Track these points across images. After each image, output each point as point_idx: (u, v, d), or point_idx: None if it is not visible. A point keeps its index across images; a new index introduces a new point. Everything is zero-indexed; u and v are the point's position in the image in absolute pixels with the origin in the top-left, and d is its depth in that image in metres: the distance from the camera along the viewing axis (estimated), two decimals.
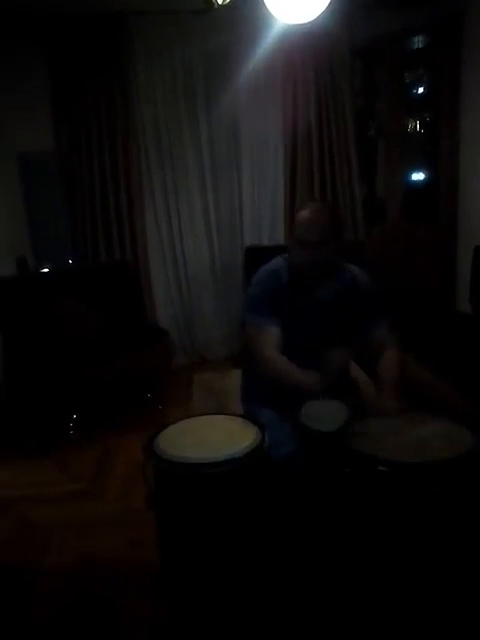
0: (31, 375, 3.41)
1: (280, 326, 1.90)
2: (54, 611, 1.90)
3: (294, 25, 2.29)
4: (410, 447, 1.54)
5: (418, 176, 4.22)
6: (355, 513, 1.58)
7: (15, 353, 3.51)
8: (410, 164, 4.20)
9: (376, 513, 1.53)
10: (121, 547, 2.20)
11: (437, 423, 1.65)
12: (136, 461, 1.78)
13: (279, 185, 4.26)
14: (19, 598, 1.98)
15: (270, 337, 1.89)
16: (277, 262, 2.02)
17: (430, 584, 1.52)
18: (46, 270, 3.97)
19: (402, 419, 1.69)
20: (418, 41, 4.03)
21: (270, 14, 2.09)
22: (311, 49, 3.92)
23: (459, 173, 4.06)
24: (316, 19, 2.13)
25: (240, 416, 1.88)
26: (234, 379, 2.27)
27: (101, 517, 2.45)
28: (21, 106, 3.94)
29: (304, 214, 1.90)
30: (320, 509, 1.64)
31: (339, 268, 2.02)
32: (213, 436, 1.71)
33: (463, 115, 3.94)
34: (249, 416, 1.85)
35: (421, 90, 4.10)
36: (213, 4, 1.91)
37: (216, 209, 4.34)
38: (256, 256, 3.65)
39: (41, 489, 2.75)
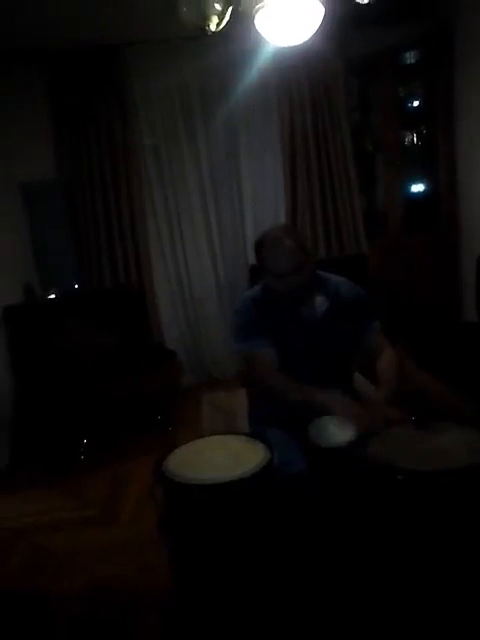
0: (41, 401, 3.42)
1: (269, 345, 1.89)
2: (70, 637, 1.89)
3: (286, 47, 2.33)
4: (428, 456, 1.52)
5: (417, 187, 4.25)
6: (371, 525, 1.57)
7: (25, 380, 3.52)
8: (409, 176, 4.24)
9: (394, 524, 1.52)
10: (134, 572, 2.18)
11: (457, 431, 1.63)
12: (148, 484, 1.78)
13: (280, 202, 4.30)
14: (35, 626, 1.96)
15: (266, 358, 1.89)
16: (255, 290, 2.02)
17: (450, 594, 1.50)
18: (52, 296, 4.00)
19: (421, 429, 1.68)
20: (411, 56, 4.09)
21: (262, 37, 2.14)
22: (305, 68, 3.99)
23: (458, 182, 4.08)
24: (308, 39, 2.17)
25: (248, 435, 1.87)
26: (242, 397, 2.26)
27: (114, 542, 2.44)
28: (23, 136, 4.01)
29: (270, 248, 1.84)
30: (332, 526, 1.63)
31: (319, 282, 1.98)
32: (221, 456, 1.70)
33: (459, 125, 3.97)
34: (257, 435, 1.85)
35: (416, 103, 4.15)
36: (207, 31, 1.95)
37: (219, 228, 4.38)
38: (260, 274, 3.67)
39: (53, 516, 2.74)
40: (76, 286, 4.20)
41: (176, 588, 1.74)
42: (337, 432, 1.68)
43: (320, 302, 1.96)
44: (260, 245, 1.89)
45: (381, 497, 1.53)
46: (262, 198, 4.35)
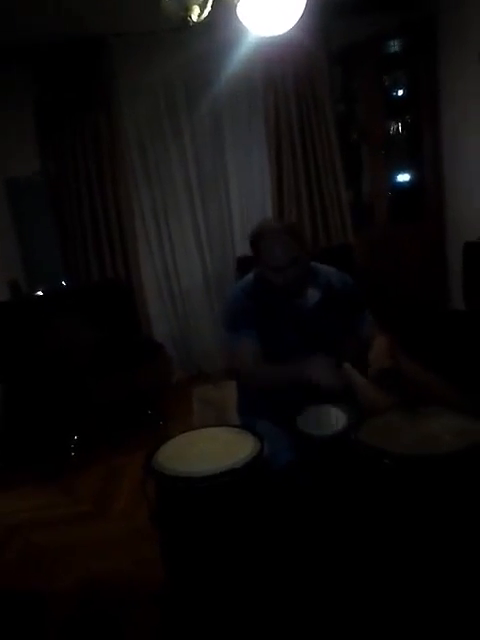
0: (31, 398, 3.40)
1: (255, 337, 1.87)
2: (65, 633, 1.89)
3: (269, 37, 2.32)
4: (418, 441, 1.54)
5: (403, 177, 4.25)
6: (364, 512, 1.58)
7: (13, 377, 3.50)
8: (394, 166, 4.24)
9: (384, 510, 1.53)
10: (129, 566, 2.19)
11: (447, 417, 1.65)
12: (139, 479, 1.78)
13: (266, 194, 4.29)
14: (30, 622, 1.96)
15: (249, 349, 1.87)
16: (247, 280, 2.00)
17: (442, 580, 1.52)
18: (40, 293, 3.97)
19: (410, 414, 1.69)
20: (394, 45, 4.08)
21: (245, 27, 2.12)
22: (289, 59, 3.97)
23: (443, 171, 4.10)
24: (291, 30, 2.16)
25: (238, 427, 1.88)
26: (232, 390, 2.26)
27: (107, 537, 2.44)
28: (7, 132, 3.96)
29: (269, 241, 1.83)
30: (324, 515, 1.64)
31: (311, 273, 1.98)
32: (212, 448, 1.71)
33: (443, 114, 3.98)
34: (247, 427, 1.85)
35: (400, 93, 4.15)
36: (188, 21, 1.93)
37: (205, 221, 4.36)
38: (247, 265, 3.65)
39: (46, 512, 2.73)
40: (63, 282, 4.18)
41: (169, 581, 1.75)
42: (326, 421, 1.69)
43: (312, 293, 1.96)
44: (257, 237, 1.87)
45: (370, 483, 1.54)
46: (248, 190, 4.34)
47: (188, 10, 1.93)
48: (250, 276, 2.02)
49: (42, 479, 3.08)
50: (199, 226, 4.35)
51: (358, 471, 1.56)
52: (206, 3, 1.95)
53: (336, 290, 2.00)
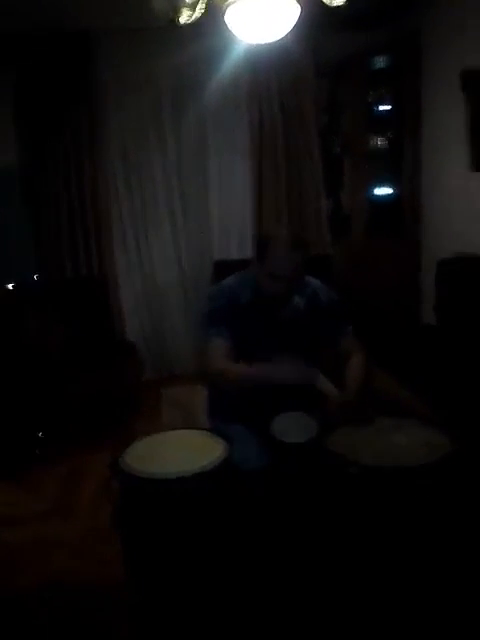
0: None
1: (228, 336, 1.86)
2: (26, 634, 1.86)
3: (258, 44, 2.33)
4: (387, 452, 1.56)
5: (382, 191, 4.31)
6: (329, 519, 1.59)
7: None
8: (374, 180, 4.29)
9: (351, 518, 1.55)
10: (89, 567, 2.16)
11: (417, 429, 1.68)
12: (104, 479, 1.76)
13: (246, 200, 4.31)
14: None
15: (218, 348, 1.85)
16: (235, 280, 2.00)
17: (406, 588, 1.54)
18: (10, 286, 3.91)
19: (380, 425, 1.72)
20: (381, 61, 4.14)
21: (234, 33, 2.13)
22: (276, 68, 4.00)
23: (422, 188, 4.17)
24: (280, 39, 2.18)
25: (207, 430, 1.87)
26: (201, 393, 2.26)
27: (68, 537, 2.40)
28: None
29: (281, 250, 1.81)
30: (291, 521, 1.65)
31: (301, 283, 2.00)
32: (180, 451, 1.70)
33: (425, 131, 4.06)
34: (216, 430, 1.85)
35: (384, 108, 4.21)
36: (177, 23, 1.93)
37: (184, 224, 4.35)
38: (224, 270, 3.64)
39: (7, 509, 2.68)
40: (35, 277, 4.12)
41: (131, 583, 1.73)
42: (299, 428, 1.70)
43: (296, 301, 1.98)
44: (270, 243, 1.84)
45: (336, 491, 1.55)
46: (228, 195, 4.35)
47: (177, 12, 1.93)
48: (236, 276, 2.01)
49: (3, 475, 3.01)
50: (177, 228, 4.34)
51: (324, 479, 1.58)
52: (195, 7, 1.95)
53: (321, 302, 2.02)
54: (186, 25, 1.99)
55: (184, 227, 4.35)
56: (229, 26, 2.02)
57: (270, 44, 2.26)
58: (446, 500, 1.54)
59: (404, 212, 4.26)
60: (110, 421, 3.55)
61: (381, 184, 4.31)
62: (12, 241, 4.06)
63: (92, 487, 2.81)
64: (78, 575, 2.13)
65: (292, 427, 1.72)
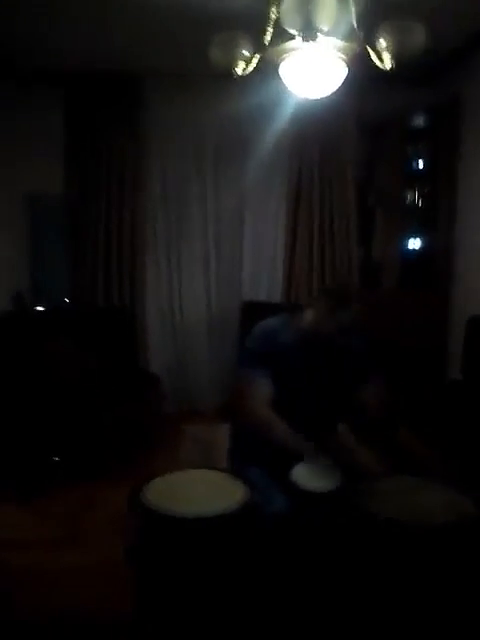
0: (14, 415, 3.33)
1: (270, 380, 1.90)
2: None
3: (307, 99, 2.41)
4: (411, 510, 1.54)
5: (414, 244, 4.33)
6: (348, 569, 1.56)
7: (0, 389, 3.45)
8: (407, 233, 4.32)
9: (372, 574, 1.52)
10: (93, 599, 2.12)
11: (440, 490, 1.66)
12: (117, 511, 1.75)
13: (279, 246, 4.37)
14: None
15: (262, 391, 1.89)
16: (277, 321, 2.04)
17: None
18: (41, 308, 3.98)
19: (408, 482, 1.71)
20: (420, 120, 4.23)
21: (285, 86, 2.21)
22: (321, 121, 4.09)
23: (454, 244, 4.18)
24: (328, 95, 2.25)
25: (227, 471, 1.86)
26: (223, 432, 2.25)
27: (76, 567, 2.36)
28: (34, 148, 4.08)
29: (348, 307, 1.92)
30: (311, 568, 1.61)
31: None
32: (202, 490, 1.69)
33: (461, 190, 4.10)
34: (237, 472, 1.83)
35: (421, 164, 4.27)
36: (233, 73, 2.01)
37: (216, 262, 4.43)
38: (253, 311, 3.70)
39: (16, 534, 2.65)
40: (66, 300, 4.20)
41: (140, 617, 1.68)
42: (321, 477, 1.68)
43: (334, 349, 2.01)
44: (344, 299, 1.95)
45: (357, 542, 1.52)
46: (262, 237, 4.42)
47: (234, 63, 2.01)
48: (278, 318, 2.05)
49: (18, 499, 3.00)
50: (209, 266, 4.41)
51: (346, 529, 1.55)
52: (252, 59, 2.04)
53: (354, 351, 2.05)
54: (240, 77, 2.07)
55: (216, 264, 4.42)
56: (285, 81, 2.11)
57: (317, 99, 2.34)
58: (466, 563, 1.50)
59: (436, 267, 4.27)
60: (127, 451, 3.53)
61: (412, 237, 4.34)
62: (50, 264, 4.16)
63: (103, 517, 2.77)
64: (82, 607, 2.09)
65: (314, 475, 1.71)
